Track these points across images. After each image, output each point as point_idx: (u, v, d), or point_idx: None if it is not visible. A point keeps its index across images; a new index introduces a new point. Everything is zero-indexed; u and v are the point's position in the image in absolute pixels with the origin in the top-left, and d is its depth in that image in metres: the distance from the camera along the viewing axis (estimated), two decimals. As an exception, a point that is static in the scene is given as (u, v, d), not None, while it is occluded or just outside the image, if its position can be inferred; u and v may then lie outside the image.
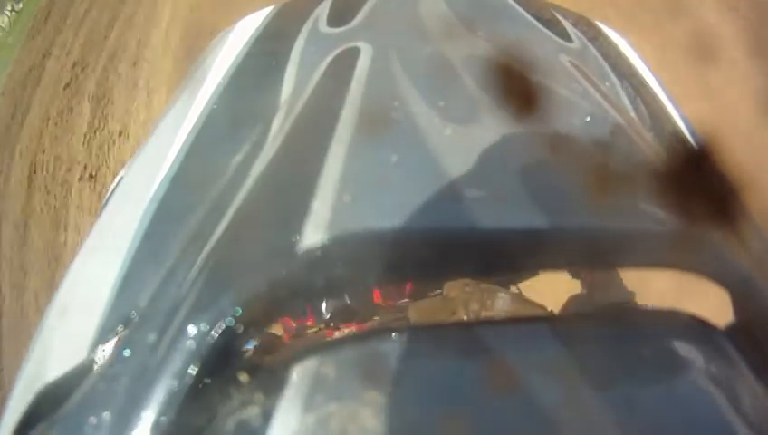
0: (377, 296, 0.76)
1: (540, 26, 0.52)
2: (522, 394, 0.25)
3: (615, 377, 0.28)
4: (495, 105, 0.37)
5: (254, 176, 0.36)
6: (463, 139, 0.36)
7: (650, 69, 0.55)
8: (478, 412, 0.25)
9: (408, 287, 0.74)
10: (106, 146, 2.50)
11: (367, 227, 0.29)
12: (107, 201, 0.45)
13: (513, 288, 0.72)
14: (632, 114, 0.47)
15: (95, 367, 0.30)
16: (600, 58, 0.52)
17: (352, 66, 0.42)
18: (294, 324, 0.75)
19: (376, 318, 0.73)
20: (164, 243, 0.34)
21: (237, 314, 0.27)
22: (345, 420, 0.24)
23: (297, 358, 0.27)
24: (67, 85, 3.05)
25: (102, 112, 2.65)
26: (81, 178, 2.49)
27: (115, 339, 0.31)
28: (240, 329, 0.27)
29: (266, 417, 0.25)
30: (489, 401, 0.25)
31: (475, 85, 0.39)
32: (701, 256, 0.31)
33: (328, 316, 0.71)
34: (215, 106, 0.45)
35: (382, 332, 0.28)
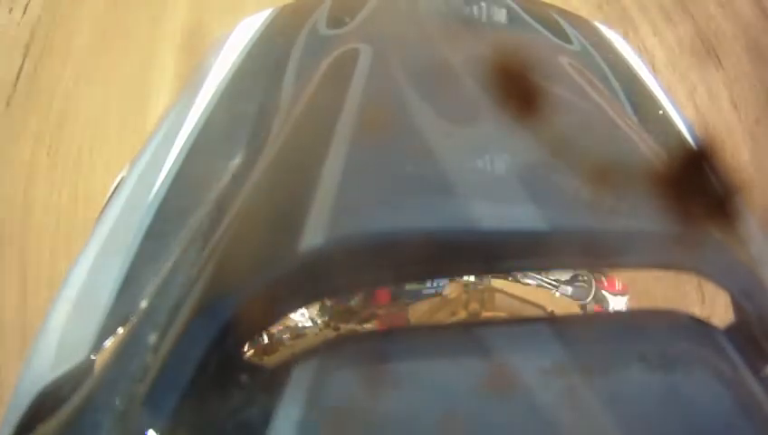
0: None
1: (540, 28, 0.53)
2: (522, 394, 0.25)
3: (615, 377, 0.28)
4: (495, 106, 0.37)
5: (255, 177, 0.36)
6: (463, 139, 0.36)
7: (649, 70, 0.56)
8: (478, 412, 0.25)
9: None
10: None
11: (367, 227, 0.30)
12: (108, 201, 0.45)
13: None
14: (631, 115, 0.47)
15: (95, 367, 0.30)
16: (599, 59, 0.52)
17: (352, 68, 0.42)
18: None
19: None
20: (165, 243, 0.34)
21: (238, 315, 0.27)
22: (345, 419, 0.24)
23: (297, 358, 0.27)
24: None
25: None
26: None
27: (115, 339, 0.31)
28: (240, 329, 0.27)
29: (266, 417, 0.25)
30: (489, 400, 0.25)
31: (475, 86, 0.39)
32: (701, 256, 0.31)
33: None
34: (215, 107, 0.45)
35: (383, 332, 0.28)
